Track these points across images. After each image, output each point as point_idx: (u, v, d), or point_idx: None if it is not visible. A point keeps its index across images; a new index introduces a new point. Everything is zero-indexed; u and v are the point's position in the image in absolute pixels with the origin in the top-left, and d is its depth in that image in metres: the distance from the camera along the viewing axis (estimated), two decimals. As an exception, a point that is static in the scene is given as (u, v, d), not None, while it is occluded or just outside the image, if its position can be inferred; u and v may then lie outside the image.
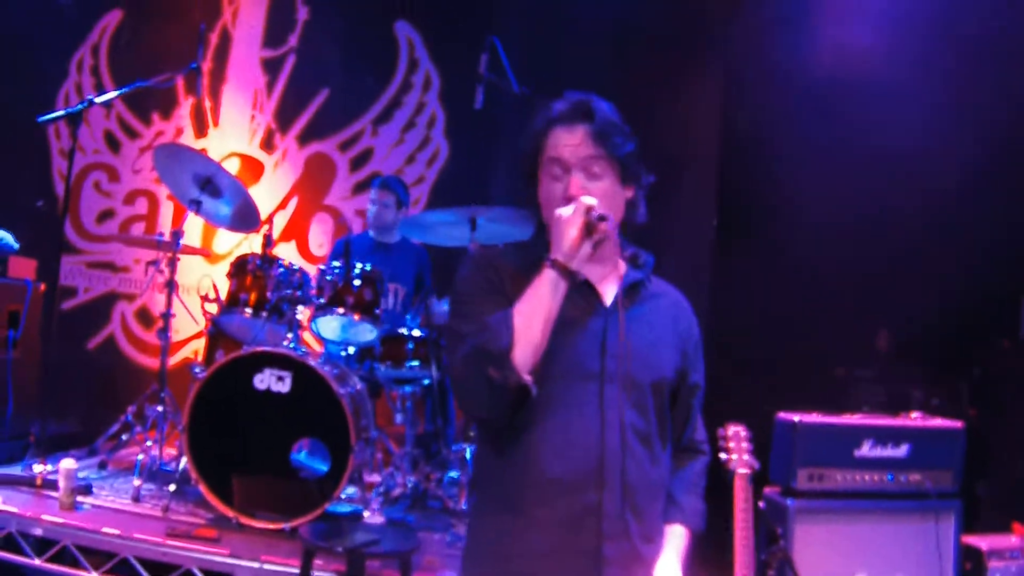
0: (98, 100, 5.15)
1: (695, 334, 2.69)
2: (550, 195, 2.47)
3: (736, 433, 3.21)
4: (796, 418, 4.30)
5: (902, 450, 4.33)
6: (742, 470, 3.21)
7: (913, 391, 6.28)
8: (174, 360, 7.46)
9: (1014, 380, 6.06)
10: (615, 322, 2.45)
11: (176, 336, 6.73)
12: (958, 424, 4.46)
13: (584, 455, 2.37)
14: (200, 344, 6.94)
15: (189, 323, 6.77)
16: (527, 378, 2.28)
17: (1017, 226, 5.86)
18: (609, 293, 2.52)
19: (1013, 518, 4.53)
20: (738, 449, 3.17)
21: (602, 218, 2.34)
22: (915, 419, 4.48)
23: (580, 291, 2.44)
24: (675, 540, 2.55)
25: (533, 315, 2.30)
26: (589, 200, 2.34)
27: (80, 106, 4.99)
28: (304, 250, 7.85)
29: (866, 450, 4.30)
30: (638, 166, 2.52)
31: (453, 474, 5.73)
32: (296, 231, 7.87)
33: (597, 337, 2.44)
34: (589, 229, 2.33)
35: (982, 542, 4.29)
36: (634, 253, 2.62)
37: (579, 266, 2.34)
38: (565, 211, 2.34)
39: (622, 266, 2.61)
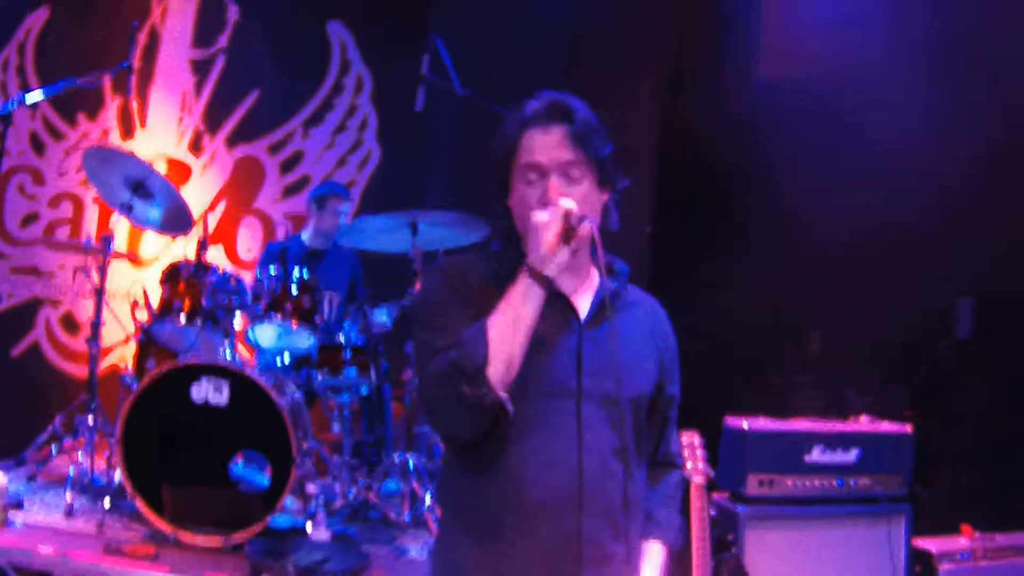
0: (28, 100, 4.94)
1: (672, 343, 2.60)
2: (525, 202, 2.33)
3: (690, 441, 3.16)
4: (745, 424, 4.29)
5: (852, 455, 4.35)
6: (697, 479, 3.18)
7: (849, 394, 6.31)
8: (100, 367, 7.23)
9: (952, 381, 6.13)
10: (590, 337, 2.36)
11: (102, 343, 6.53)
12: (907, 428, 4.49)
13: (563, 478, 2.27)
14: (127, 351, 6.75)
15: (115, 330, 6.56)
16: (502, 395, 2.17)
17: (951, 227, 5.91)
18: (583, 305, 2.41)
19: (955, 520, 4.54)
20: (692, 457, 3.13)
21: (582, 220, 2.23)
22: (864, 424, 4.50)
23: (553, 304, 2.30)
24: (653, 558, 2.48)
25: (508, 327, 2.18)
26: (568, 203, 2.22)
27: (10, 105, 4.80)
28: (232, 254, 7.67)
29: (816, 455, 4.31)
30: (614, 169, 2.40)
31: (393, 484, 5.62)
32: (224, 235, 7.68)
33: (572, 353, 2.33)
34: (568, 234, 2.21)
35: (932, 545, 4.30)
36: (608, 261, 2.45)
37: (555, 273, 2.22)
38: (542, 215, 2.20)
39: (595, 275, 2.48)
